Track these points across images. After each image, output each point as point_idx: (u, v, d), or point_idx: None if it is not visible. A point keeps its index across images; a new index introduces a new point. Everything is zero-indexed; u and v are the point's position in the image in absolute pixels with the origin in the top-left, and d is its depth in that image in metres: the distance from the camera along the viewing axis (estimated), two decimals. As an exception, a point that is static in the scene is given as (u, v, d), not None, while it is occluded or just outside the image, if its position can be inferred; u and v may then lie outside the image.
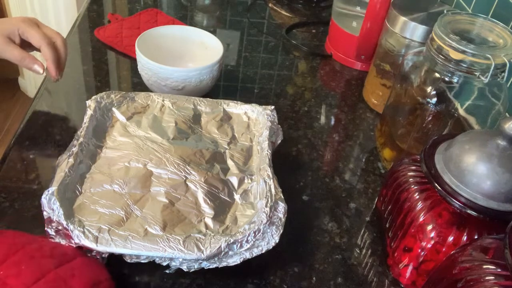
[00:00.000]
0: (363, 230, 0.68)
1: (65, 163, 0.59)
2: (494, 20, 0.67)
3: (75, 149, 0.61)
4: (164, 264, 0.55)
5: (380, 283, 0.61)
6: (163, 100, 0.72)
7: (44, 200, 0.54)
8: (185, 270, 0.55)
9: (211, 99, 0.75)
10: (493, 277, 0.41)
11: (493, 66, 0.60)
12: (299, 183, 0.73)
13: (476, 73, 0.63)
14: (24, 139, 0.73)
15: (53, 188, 0.55)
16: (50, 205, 0.54)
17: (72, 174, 0.58)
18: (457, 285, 0.44)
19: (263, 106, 0.73)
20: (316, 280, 0.60)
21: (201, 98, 0.74)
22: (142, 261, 0.54)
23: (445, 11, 0.70)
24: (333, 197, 0.72)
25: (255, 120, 0.73)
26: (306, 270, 0.61)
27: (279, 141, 0.71)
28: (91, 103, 0.68)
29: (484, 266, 0.43)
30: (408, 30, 0.79)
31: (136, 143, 0.65)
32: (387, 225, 0.63)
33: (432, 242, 0.55)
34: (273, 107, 0.73)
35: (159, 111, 0.71)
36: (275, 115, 0.72)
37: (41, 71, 0.69)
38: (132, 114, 0.70)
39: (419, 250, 0.56)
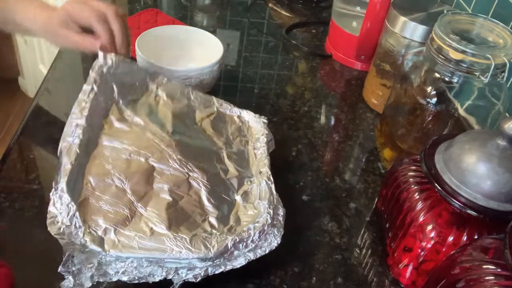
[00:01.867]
0: (363, 230, 0.68)
1: (66, 152, 0.56)
2: (494, 20, 0.67)
3: (79, 133, 0.58)
4: (170, 277, 0.53)
5: (380, 283, 0.61)
6: (156, 88, 0.71)
7: (54, 197, 0.52)
8: (192, 281, 0.53)
9: (204, 94, 0.74)
10: (493, 277, 0.41)
11: (493, 66, 0.60)
12: (299, 183, 0.73)
13: (476, 73, 0.63)
14: (24, 139, 0.73)
15: (62, 184, 0.52)
16: (61, 202, 0.51)
17: (75, 165, 0.55)
18: (457, 285, 0.44)
19: (257, 115, 0.73)
20: (316, 280, 0.60)
21: (195, 92, 0.73)
22: (139, 280, 0.52)
23: (445, 11, 0.70)
24: (333, 197, 0.72)
25: (248, 125, 0.73)
26: (306, 270, 0.61)
27: (270, 150, 0.71)
28: (93, 74, 0.64)
29: (484, 266, 0.43)
30: (408, 30, 0.79)
31: (136, 132, 0.64)
32: (387, 225, 0.63)
33: (432, 242, 0.55)
34: (266, 118, 0.73)
35: (153, 101, 0.70)
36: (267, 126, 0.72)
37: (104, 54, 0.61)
38: (128, 98, 0.68)
39: (419, 250, 0.56)
